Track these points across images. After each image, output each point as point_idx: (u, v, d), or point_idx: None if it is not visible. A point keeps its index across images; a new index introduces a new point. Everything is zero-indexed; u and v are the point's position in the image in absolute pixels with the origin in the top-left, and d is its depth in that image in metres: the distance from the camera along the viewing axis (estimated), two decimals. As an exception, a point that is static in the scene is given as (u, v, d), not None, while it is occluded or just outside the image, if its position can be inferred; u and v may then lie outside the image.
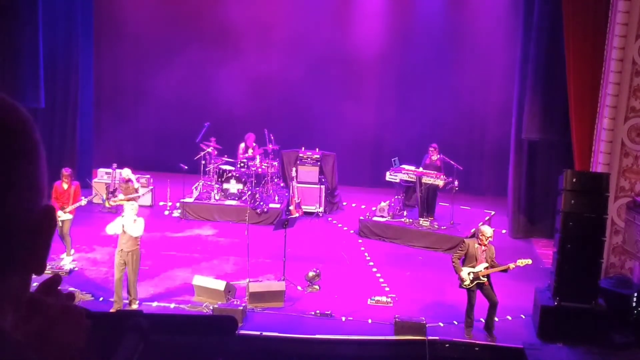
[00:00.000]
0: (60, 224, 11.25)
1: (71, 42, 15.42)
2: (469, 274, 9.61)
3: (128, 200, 12.81)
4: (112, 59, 17.28)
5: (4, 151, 1.02)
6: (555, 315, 9.91)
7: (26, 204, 1.04)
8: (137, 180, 13.50)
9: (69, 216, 11.43)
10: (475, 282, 9.63)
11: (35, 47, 13.54)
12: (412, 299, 11.01)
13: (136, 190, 13.08)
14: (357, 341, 9.77)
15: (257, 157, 14.99)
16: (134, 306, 10.03)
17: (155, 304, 10.33)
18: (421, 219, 13.78)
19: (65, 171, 11.59)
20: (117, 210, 13.36)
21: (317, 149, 15.47)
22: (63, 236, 11.41)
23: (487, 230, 9.82)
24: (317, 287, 11.24)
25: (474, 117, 16.62)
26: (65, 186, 11.45)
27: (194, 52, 16.56)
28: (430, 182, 13.78)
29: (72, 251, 11.76)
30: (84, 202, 11.53)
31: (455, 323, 10.20)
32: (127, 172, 13.06)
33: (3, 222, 1.01)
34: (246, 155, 15.19)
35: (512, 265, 9.63)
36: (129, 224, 9.89)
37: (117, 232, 10.03)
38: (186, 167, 14.91)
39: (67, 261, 11.55)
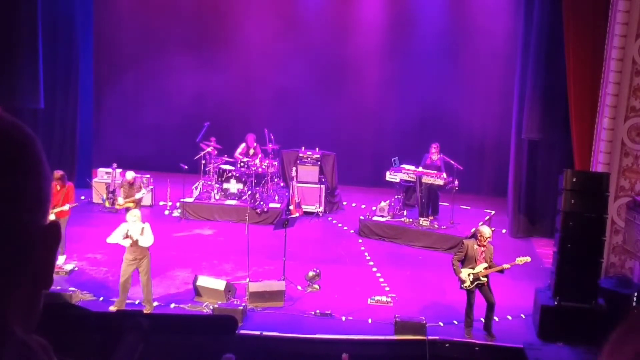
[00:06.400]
0: None
1: (71, 43, 15.40)
2: (469, 275, 9.61)
3: (130, 202, 12.74)
4: (111, 59, 17.27)
5: (14, 166, 1.03)
6: (555, 315, 9.91)
7: (33, 220, 1.06)
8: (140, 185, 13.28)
9: (52, 217, 11.25)
10: (476, 282, 9.63)
11: (35, 47, 13.53)
12: (412, 299, 11.00)
13: (137, 191, 12.96)
14: (357, 341, 9.77)
15: (257, 160, 14.94)
16: (149, 310, 9.94)
17: (155, 304, 10.32)
18: (421, 218, 13.77)
19: (56, 173, 11.36)
20: (117, 211, 13.35)
21: (317, 149, 15.46)
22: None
23: (486, 231, 9.82)
24: (317, 287, 11.24)
25: (474, 116, 16.61)
26: (58, 187, 11.29)
27: (194, 52, 16.55)
28: (430, 181, 13.78)
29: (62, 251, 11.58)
30: (66, 207, 11.18)
31: (455, 323, 10.20)
32: (131, 175, 12.93)
33: (11, 236, 1.03)
34: (247, 155, 15.17)
35: (506, 266, 9.62)
36: (137, 235, 9.76)
37: (118, 242, 9.83)
38: (186, 167, 14.90)
39: (60, 261, 11.46)
